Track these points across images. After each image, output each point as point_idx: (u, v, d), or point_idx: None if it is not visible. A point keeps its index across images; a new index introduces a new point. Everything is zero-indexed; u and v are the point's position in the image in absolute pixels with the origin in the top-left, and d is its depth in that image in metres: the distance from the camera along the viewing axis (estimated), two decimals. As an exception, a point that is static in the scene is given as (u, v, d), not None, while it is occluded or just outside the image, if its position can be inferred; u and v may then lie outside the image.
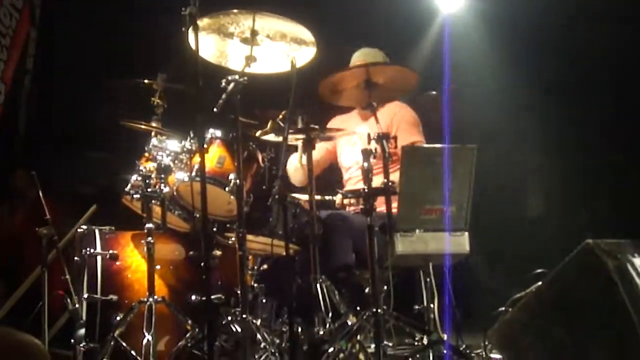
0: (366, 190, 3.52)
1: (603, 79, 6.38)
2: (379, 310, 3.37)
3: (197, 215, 3.74)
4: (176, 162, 3.93)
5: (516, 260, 6.57)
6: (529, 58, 6.49)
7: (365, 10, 6.47)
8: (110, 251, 3.92)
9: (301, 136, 3.76)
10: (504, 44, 6.55)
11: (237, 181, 3.53)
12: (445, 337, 3.59)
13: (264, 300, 3.94)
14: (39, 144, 6.61)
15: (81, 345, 3.67)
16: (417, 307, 3.91)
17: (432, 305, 3.82)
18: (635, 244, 3.06)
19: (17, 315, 4.74)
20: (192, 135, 3.93)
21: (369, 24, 6.50)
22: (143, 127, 4.09)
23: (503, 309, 3.88)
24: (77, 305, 3.77)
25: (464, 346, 3.90)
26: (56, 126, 6.59)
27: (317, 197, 4.10)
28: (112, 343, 3.60)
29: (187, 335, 3.67)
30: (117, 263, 3.94)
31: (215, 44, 3.75)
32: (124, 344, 3.60)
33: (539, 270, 3.79)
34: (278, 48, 3.76)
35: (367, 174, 3.54)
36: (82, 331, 3.72)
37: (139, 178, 3.84)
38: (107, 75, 6.00)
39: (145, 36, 6.14)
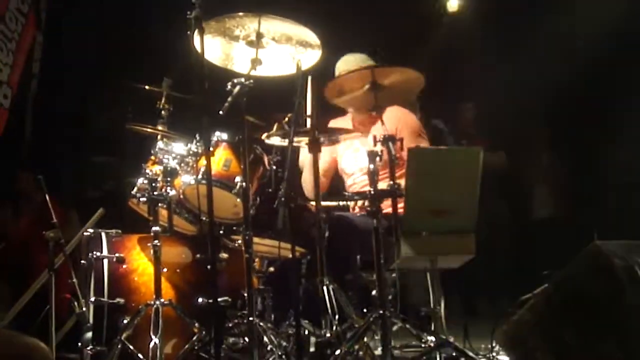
0: (372, 192, 3.52)
1: (608, 79, 6.39)
2: (386, 312, 3.37)
3: (204, 218, 3.76)
4: (182, 165, 3.93)
5: (523, 262, 6.57)
6: (538, 60, 6.50)
7: (371, 12, 6.48)
8: (117, 254, 3.92)
9: (307, 138, 3.76)
10: (509, 45, 6.56)
11: (244, 184, 3.53)
12: (452, 339, 3.58)
13: (270, 303, 3.94)
14: (45, 148, 6.63)
15: (88, 348, 3.68)
16: (423, 309, 3.91)
17: (438, 307, 3.81)
18: (642, 245, 3.06)
19: (24, 319, 4.75)
20: (198, 138, 3.93)
21: (373, 26, 6.52)
22: (149, 130, 4.10)
23: (510, 310, 3.87)
24: (84, 309, 3.77)
25: (471, 348, 3.89)
26: (62, 130, 6.61)
27: (331, 203, 4.13)
28: (119, 346, 3.60)
29: (194, 338, 3.66)
30: (124, 266, 3.95)
31: (221, 47, 3.75)
32: (131, 347, 3.60)
33: (546, 272, 3.77)
34: (284, 51, 3.76)
35: (372, 176, 3.53)
36: (89, 334, 3.73)
37: (146, 181, 3.85)
38: (114, 79, 6.03)
39: (151, 40, 6.16)
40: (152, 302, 3.65)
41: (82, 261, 3.93)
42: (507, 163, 6.67)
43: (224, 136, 3.94)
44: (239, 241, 3.94)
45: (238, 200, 3.77)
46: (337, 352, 3.37)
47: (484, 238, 3.86)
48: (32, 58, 6.54)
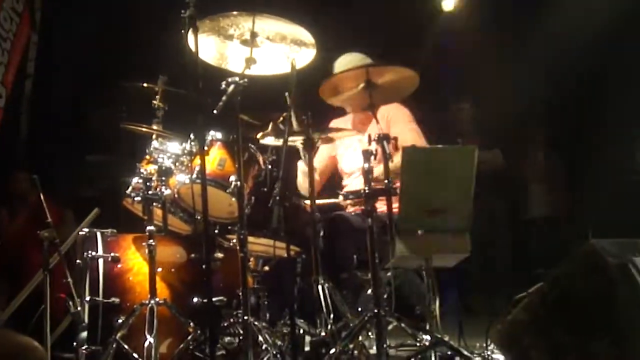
0: (367, 191, 3.52)
1: (609, 79, 6.39)
2: (381, 311, 3.37)
3: (198, 218, 3.76)
4: (177, 164, 3.93)
5: (518, 260, 6.58)
6: (534, 58, 6.51)
7: (365, 11, 6.48)
8: (112, 254, 3.92)
9: (301, 137, 3.76)
10: (507, 43, 6.57)
11: (238, 183, 3.52)
12: (447, 337, 3.58)
13: (265, 302, 3.94)
14: (40, 147, 6.62)
15: (83, 348, 3.67)
16: (418, 308, 3.91)
17: (433, 306, 3.81)
18: (636, 244, 3.05)
19: (19, 319, 4.74)
20: (192, 137, 3.92)
21: (368, 25, 6.52)
22: (144, 129, 4.09)
23: (505, 309, 3.87)
24: (79, 308, 3.76)
25: (465, 346, 3.90)
26: (57, 130, 6.60)
27: (325, 201, 4.13)
28: (114, 346, 3.60)
29: (189, 337, 3.66)
30: (119, 266, 3.95)
31: (215, 46, 3.75)
32: (126, 346, 3.60)
33: (541, 270, 3.78)
34: (278, 50, 3.76)
35: (367, 175, 3.53)
36: (84, 334, 3.72)
37: (140, 180, 3.84)
38: (108, 79, 6.02)
39: (146, 39, 6.15)
40: (147, 302, 3.65)
41: (77, 261, 3.92)
42: (503, 161, 6.68)
43: (219, 135, 3.94)
44: (234, 240, 3.94)
45: (233, 199, 3.77)
46: (332, 351, 3.37)
47: (479, 237, 3.87)
48: (26, 58, 6.54)
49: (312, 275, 3.62)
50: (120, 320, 3.71)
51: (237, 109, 3.47)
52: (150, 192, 3.78)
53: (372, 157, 3.55)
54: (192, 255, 4.08)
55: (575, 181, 6.75)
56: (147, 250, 3.72)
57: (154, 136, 4.05)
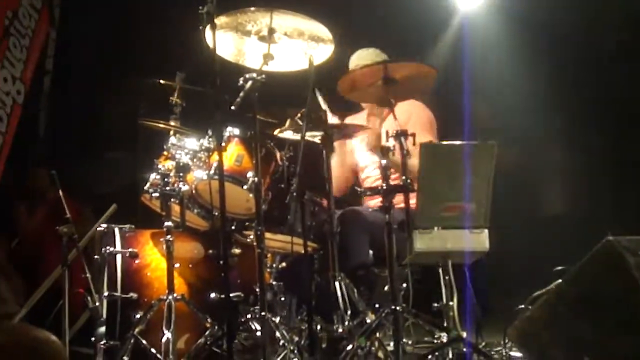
0: (384, 187, 3.52)
1: (625, 77, 6.33)
2: (398, 308, 3.36)
3: (216, 214, 3.77)
4: (195, 160, 3.93)
5: (537, 258, 6.54)
6: (552, 56, 6.46)
7: (382, 8, 6.45)
8: (130, 249, 3.94)
9: (320, 133, 3.76)
10: (526, 42, 6.52)
11: (256, 179, 3.53)
12: (464, 334, 3.56)
13: (282, 298, 3.94)
14: (58, 144, 6.65)
15: (101, 343, 3.68)
16: (436, 304, 3.90)
17: (451, 303, 3.80)
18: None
19: (38, 314, 4.77)
20: (210, 133, 3.93)
21: (385, 22, 6.49)
22: (161, 126, 4.11)
23: (523, 306, 3.85)
24: (97, 304, 3.77)
25: (483, 344, 3.88)
26: (76, 126, 6.63)
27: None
28: (132, 341, 3.62)
29: (207, 333, 3.67)
30: (137, 261, 3.96)
31: (233, 42, 3.75)
32: (144, 341, 3.62)
33: (559, 268, 3.75)
34: (296, 46, 3.76)
35: (385, 171, 3.53)
36: (103, 329, 3.73)
37: (158, 177, 3.85)
38: (126, 75, 6.04)
39: (164, 35, 6.16)
40: (165, 297, 3.66)
41: (96, 256, 3.94)
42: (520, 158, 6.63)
43: (236, 131, 3.94)
44: (251, 236, 3.94)
45: (250, 195, 3.77)
46: (349, 347, 3.37)
47: (497, 234, 3.84)
48: (45, 55, 6.56)
49: (329, 271, 3.62)
50: (138, 316, 3.74)
51: (254, 105, 3.47)
52: (168, 188, 3.79)
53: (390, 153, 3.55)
54: (210, 251, 4.09)
55: (594, 179, 6.69)
56: (164, 246, 3.73)
57: (171, 132, 4.07)
